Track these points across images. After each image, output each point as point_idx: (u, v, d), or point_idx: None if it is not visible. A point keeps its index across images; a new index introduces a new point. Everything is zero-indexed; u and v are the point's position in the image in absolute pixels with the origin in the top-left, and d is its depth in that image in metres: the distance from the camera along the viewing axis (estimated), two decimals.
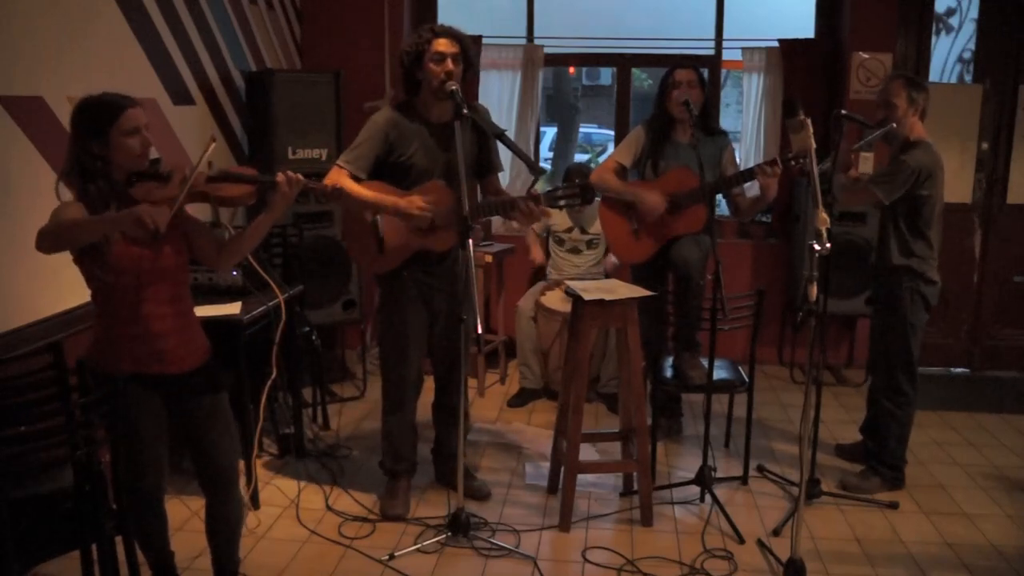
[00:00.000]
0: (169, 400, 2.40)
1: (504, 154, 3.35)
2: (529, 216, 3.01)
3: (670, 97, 3.70)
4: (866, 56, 4.95)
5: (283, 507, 3.36)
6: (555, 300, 4.53)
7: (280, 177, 2.39)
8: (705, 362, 3.45)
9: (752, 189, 3.76)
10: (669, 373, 3.73)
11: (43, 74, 2.93)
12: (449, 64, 3.00)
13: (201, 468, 2.50)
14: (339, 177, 3.05)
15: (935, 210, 3.38)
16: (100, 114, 2.18)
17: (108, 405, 2.26)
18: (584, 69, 10.54)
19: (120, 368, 2.29)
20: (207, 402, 2.43)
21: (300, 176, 2.42)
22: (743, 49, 5.27)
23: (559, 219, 4.72)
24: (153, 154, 2.37)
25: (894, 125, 3.32)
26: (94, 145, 2.17)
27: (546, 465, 3.67)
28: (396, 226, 3.11)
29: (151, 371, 2.33)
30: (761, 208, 3.77)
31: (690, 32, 5.36)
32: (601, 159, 7.91)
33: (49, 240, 2.09)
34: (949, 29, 5.18)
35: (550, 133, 10.05)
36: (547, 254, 4.89)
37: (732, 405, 3.99)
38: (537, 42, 5.37)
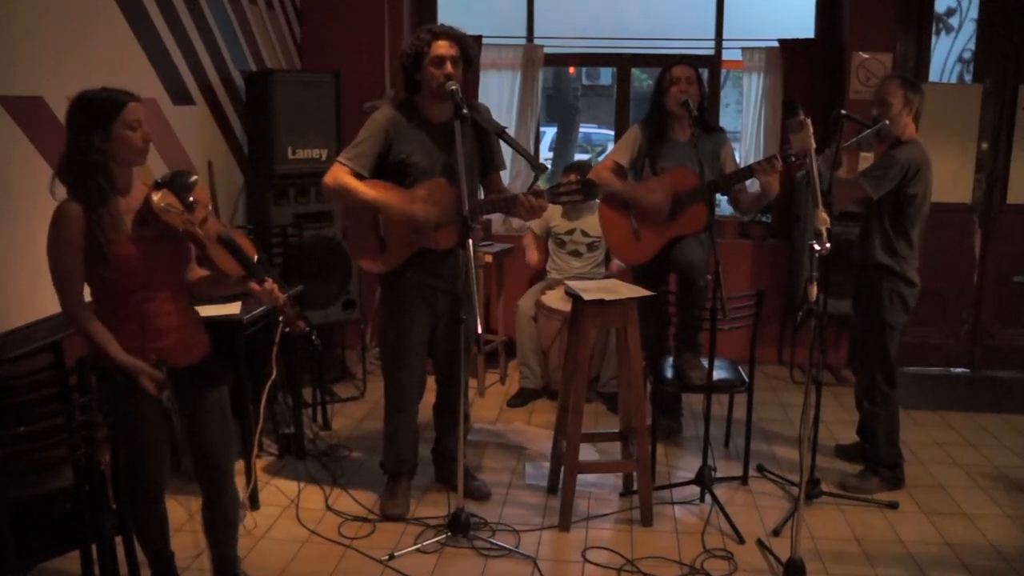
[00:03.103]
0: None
1: (505, 152, 3.34)
2: (531, 211, 3.01)
3: (668, 95, 3.68)
4: (866, 56, 4.95)
5: (283, 507, 3.36)
6: (555, 300, 4.53)
7: (267, 285, 2.39)
8: (705, 362, 3.45)
9: (754, 186, 3.76)
10: (669, 373, 3.73)
11: (43, 74, 2.93)
12: (448, 68, 2.99)
13: (197, 461, 2.52)
14: (340, 174, 3.05)
15: (920, 210, 3.39)
16: (104, 106, 2.18)
17: (109, 402, 2.26)
18: (584, 69, 10.52)
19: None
20: (206, 395, 2.45)
21: (283, 297, 2.43)
22: (743, 49, 5.27)
23: (560, 221, 4.71)
24: (157, 158, 2.38)
25: (887, 122, 3.34)
26: (96, 137, 2.16)
27: (546, 465, 3.67)
28: (397, 224, 3.10)
29: None
30: (763, 205, 3.77)
31: (690, 32, 5.36)
32: (601, 159, 7.89)
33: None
34: (949, 29, 5.17)
35: (550, 133, 10.03)
36: (547, 255, 4.88)
37: (732, 405, 3.98)
38: (537, 42, 5.37)
